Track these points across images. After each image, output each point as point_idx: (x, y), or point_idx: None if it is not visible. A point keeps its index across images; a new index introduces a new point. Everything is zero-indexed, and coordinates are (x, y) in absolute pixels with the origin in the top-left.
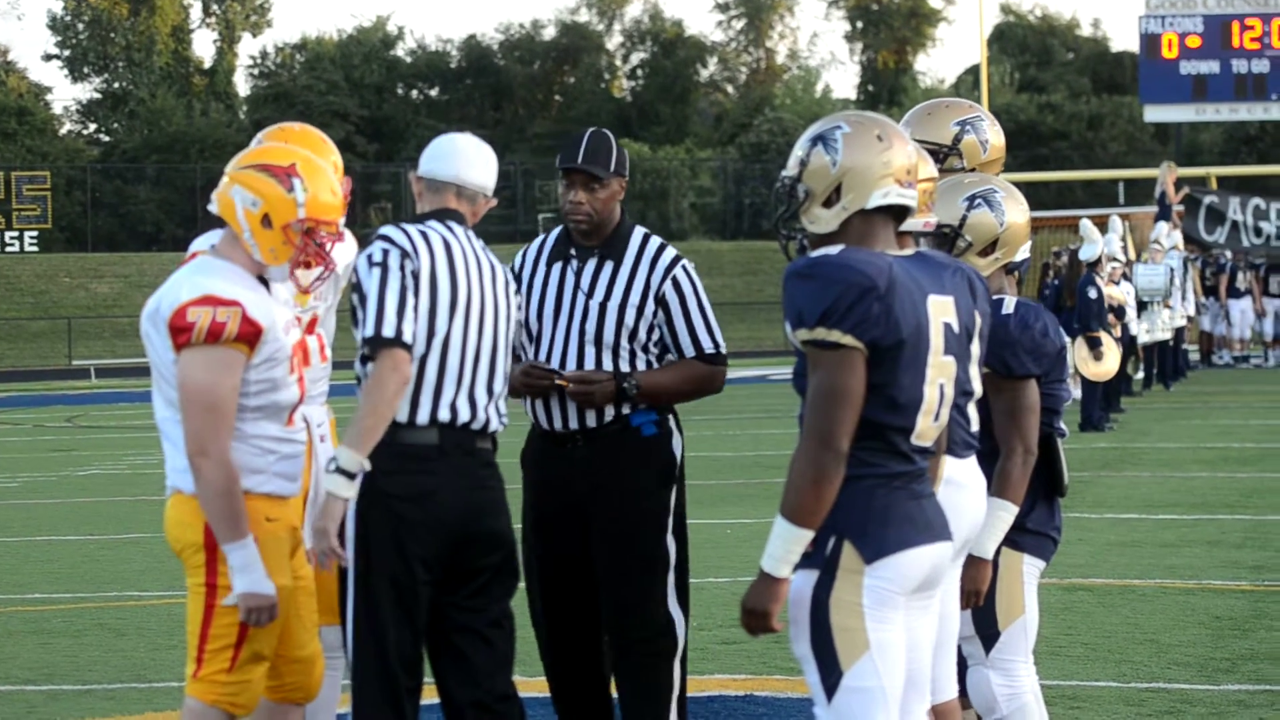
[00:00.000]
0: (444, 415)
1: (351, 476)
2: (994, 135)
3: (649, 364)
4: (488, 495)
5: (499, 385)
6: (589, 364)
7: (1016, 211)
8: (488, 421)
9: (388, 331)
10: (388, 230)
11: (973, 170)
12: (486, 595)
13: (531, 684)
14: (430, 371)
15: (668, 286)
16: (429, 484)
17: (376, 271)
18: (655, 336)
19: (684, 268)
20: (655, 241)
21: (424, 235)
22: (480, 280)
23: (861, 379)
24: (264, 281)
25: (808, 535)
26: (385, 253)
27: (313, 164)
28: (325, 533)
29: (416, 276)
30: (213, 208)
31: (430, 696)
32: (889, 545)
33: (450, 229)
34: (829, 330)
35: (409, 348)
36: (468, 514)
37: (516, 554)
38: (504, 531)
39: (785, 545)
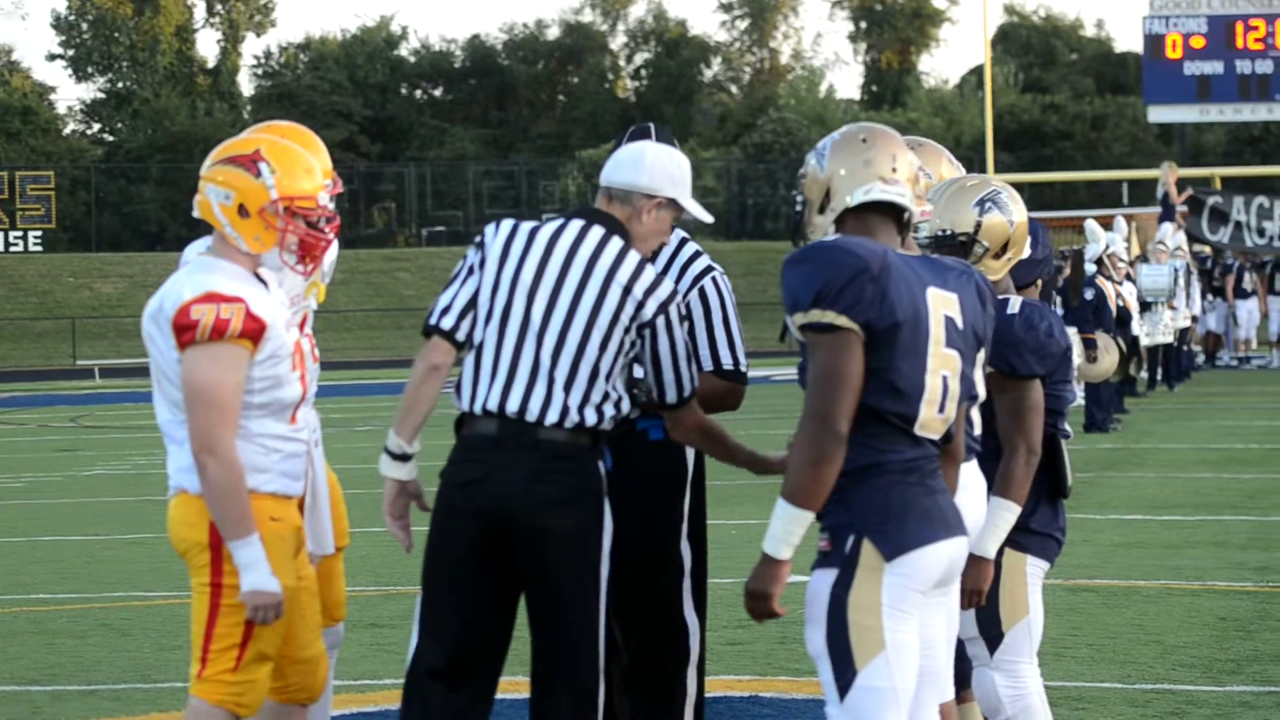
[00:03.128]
0: (495, 405)
1: (394, 456)
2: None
3: None
4: (548, 490)
5: (578, 387)
6: None
7: (1019, 210)
8: (561, 416)
9: (431, 320)
10: (486, 226)
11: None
12: (550, 594)
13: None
14: (486, 360)
15: (694, 296)
16: (477, 472)
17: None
18: None
19: (714, 279)
20: (690, 248)
21: (514, 224)
22: (568, 273)
23: (859, 361)
24: (262, 281)
25: (808, 517)
26: (473, 244)
27: (280, 146)
28: (384, 512)
29: (483, 263)
30: (196, 212)
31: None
32: (908, 542)
33: (567, 222)
34: (823, 311)
35: (445, 334)
36: (520, 506)
37: (582, 556)
38: (563, 530)
39: (786, 527)
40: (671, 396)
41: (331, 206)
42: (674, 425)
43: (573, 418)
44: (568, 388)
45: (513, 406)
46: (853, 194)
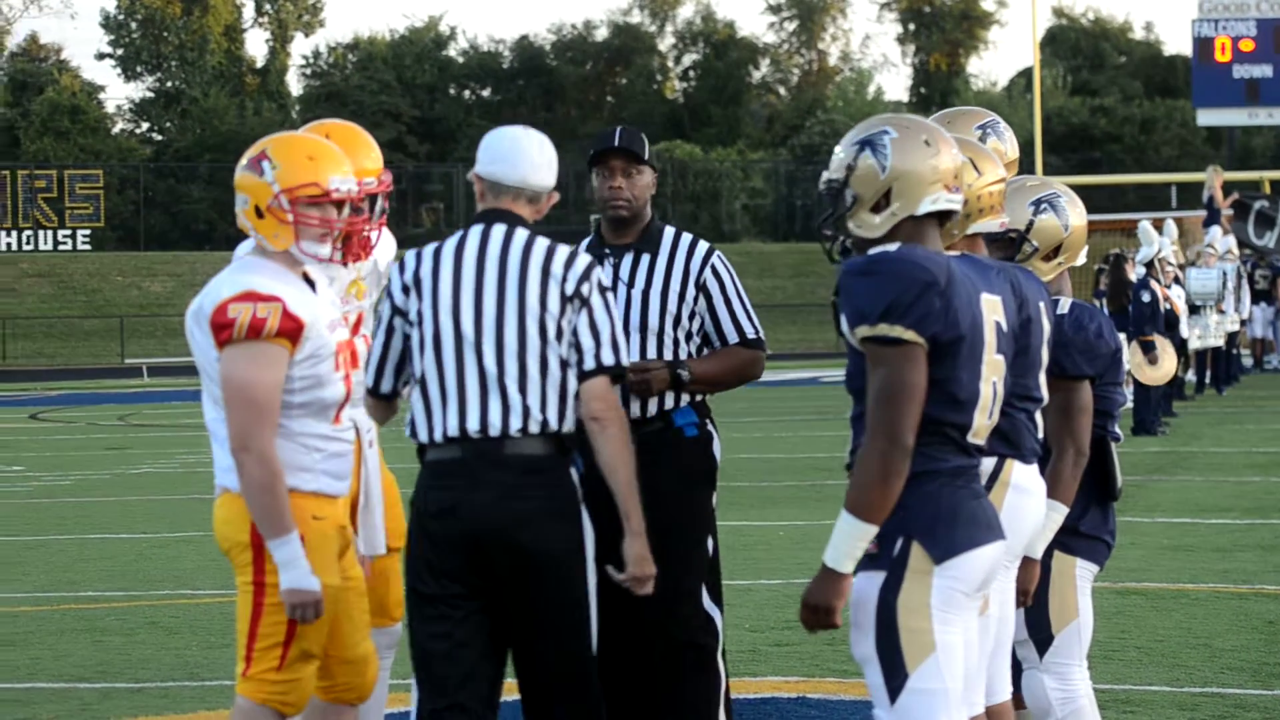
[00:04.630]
0: (455, 429)
1: None
2: (1010, 145)
3: (689, 355)
4: (522, 506)
5: (533, 386)
6: (634, 353)
7: (1077, 215)
8: (524, 420)
9: (367, 382)
10: (392, 266)
11: None
12: (536, 613)
13: None
14: (432, 388)
15: (708, 274)
16: (449, 499)
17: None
18: (697, 325)
19: (719, 257)
20: (687, 236)
21: (416, 253)
22: (484, 276)
23: (924, 374)
24: (310, 282)
25: (873, 530)
26: (384, 291)
27: (285, 140)
28: None
29: (396, 310)
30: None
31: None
32: (958, 545)
33: (466, 232)
34: (892, 325)
35: (369, 391)
36: (497, 527)
37: (566, 571)
38: (543, 547)
39: (851, 541)
40: (592, 362)
41: (379, 204)
42: (585, 398)
43: (536, 418)
44: (523, 390)
45: (473, 425)
46: (920, 203)
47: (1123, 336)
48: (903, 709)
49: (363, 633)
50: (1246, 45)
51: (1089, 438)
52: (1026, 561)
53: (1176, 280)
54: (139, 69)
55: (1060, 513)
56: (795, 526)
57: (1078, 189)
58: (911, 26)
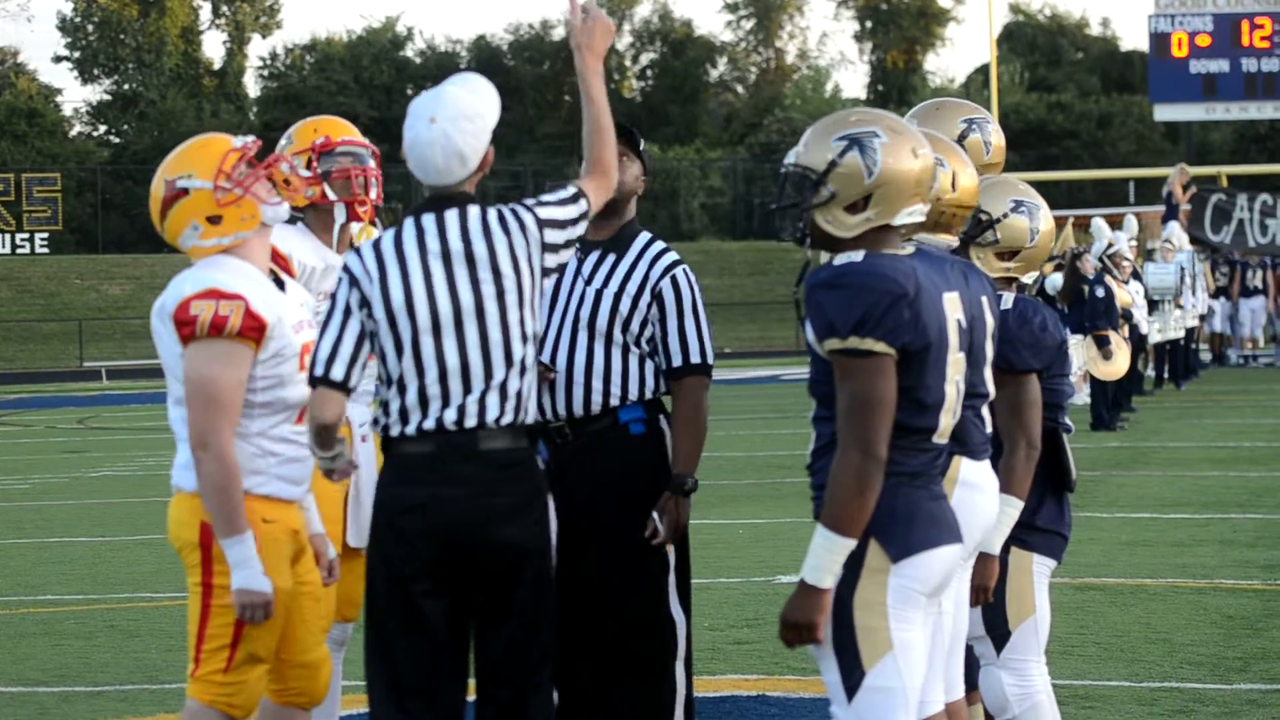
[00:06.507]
0: (432, 424)
1: None
2: (997, 138)
3: (641, 360)
4: (498, 502)
5: (510, 377)
6: (580, 350)
7: (1045, 227)
8: (498, 417)
9: (318, 370)
10: (346, 258)
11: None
12: (512, 603)
13: None
14: (410, 381)
15: (665, 283)
16: (423, 494)
17: (328, 305)
18: (647, 333)
19: (684, 271)
20: (659, 245)
21: (374, 245)
22: (450, 269)
23: (894, 384)
24: (280, 282)
25: (850, 544)
26: (339, 282)
27: (180, 155)
28: None
29: (364, 302)
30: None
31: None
32: (915, 544)
33: (421, 219)
34: (862, 339)
35: (338, 385)
36: (473, 523)
37: (539, 562)
38: (519, 540)
39: (829, 555)
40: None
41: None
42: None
43: (509, 410)
44: (500, 383)
45: (450, 417)
46: (898, 215)
47: (1076, 339)
48: (860, 707)
49: (316, 637)
50: (1203, 40)
51: (1040, 430)
52: (984, 558)
53: (1136, 275)
54: (96, 71)
55: (1015, 507)
56: (755, 525)
57: (1036, 185)
58: (869, 24)
